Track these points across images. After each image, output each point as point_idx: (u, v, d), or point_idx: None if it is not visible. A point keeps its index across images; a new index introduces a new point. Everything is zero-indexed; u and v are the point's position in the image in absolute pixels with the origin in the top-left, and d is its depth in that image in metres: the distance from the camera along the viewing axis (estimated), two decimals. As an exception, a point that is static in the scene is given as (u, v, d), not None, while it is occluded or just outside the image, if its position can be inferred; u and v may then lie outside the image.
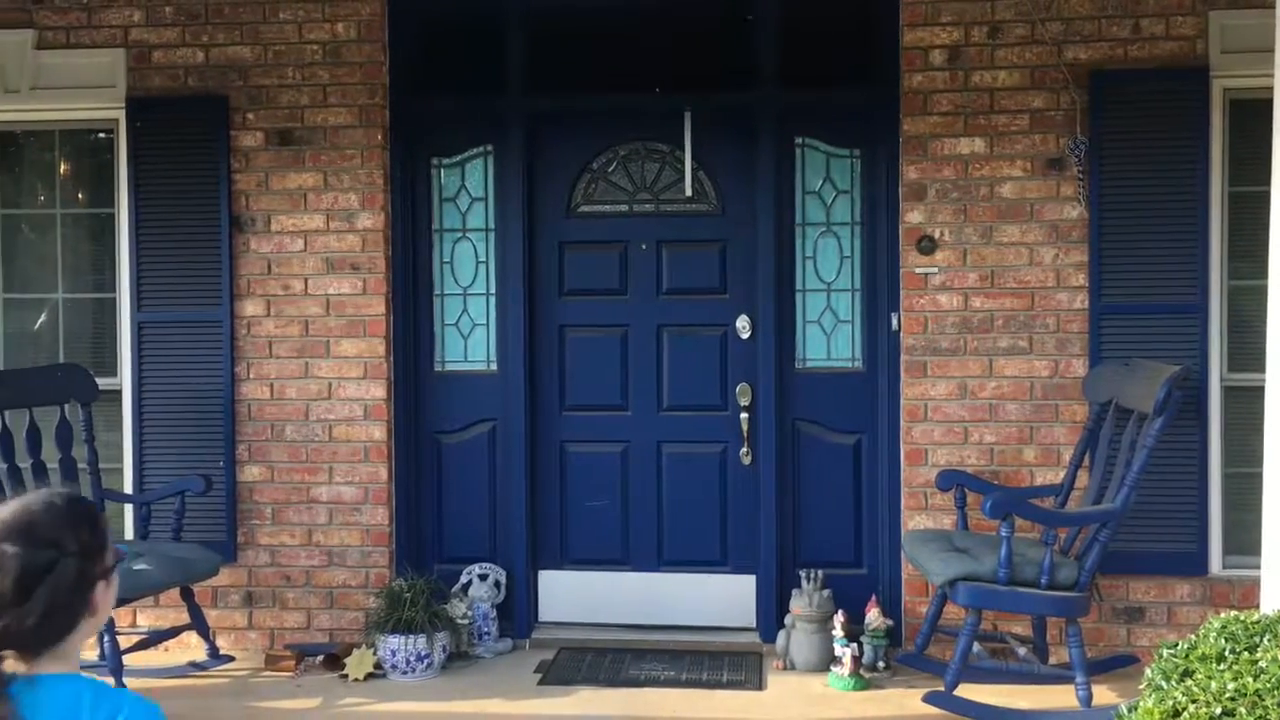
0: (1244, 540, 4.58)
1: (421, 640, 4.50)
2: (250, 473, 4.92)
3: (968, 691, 4.00)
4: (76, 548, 1.58)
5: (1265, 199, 3.33)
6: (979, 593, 3.91)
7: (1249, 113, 4.42)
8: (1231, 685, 1.95)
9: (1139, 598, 4.58)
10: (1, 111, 4.98)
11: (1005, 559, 3.89)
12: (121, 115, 4.94)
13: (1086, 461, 4.44)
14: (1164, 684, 2.06)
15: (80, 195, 5.18)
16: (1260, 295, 3.36)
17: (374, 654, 4.56)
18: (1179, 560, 4.53)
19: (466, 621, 4.74)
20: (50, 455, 4.59)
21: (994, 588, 3.90)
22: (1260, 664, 2.01)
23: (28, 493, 1.65)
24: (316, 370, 4.90)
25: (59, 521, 1.59)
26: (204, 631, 4.62)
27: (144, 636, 4.61)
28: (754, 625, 4.92)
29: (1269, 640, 2.07)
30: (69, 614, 1.57)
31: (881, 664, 4.53)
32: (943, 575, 3.94)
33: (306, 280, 4.90)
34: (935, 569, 3.99)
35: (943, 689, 3.96)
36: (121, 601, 4.23)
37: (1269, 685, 1.92)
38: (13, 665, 1.53)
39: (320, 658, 4.73)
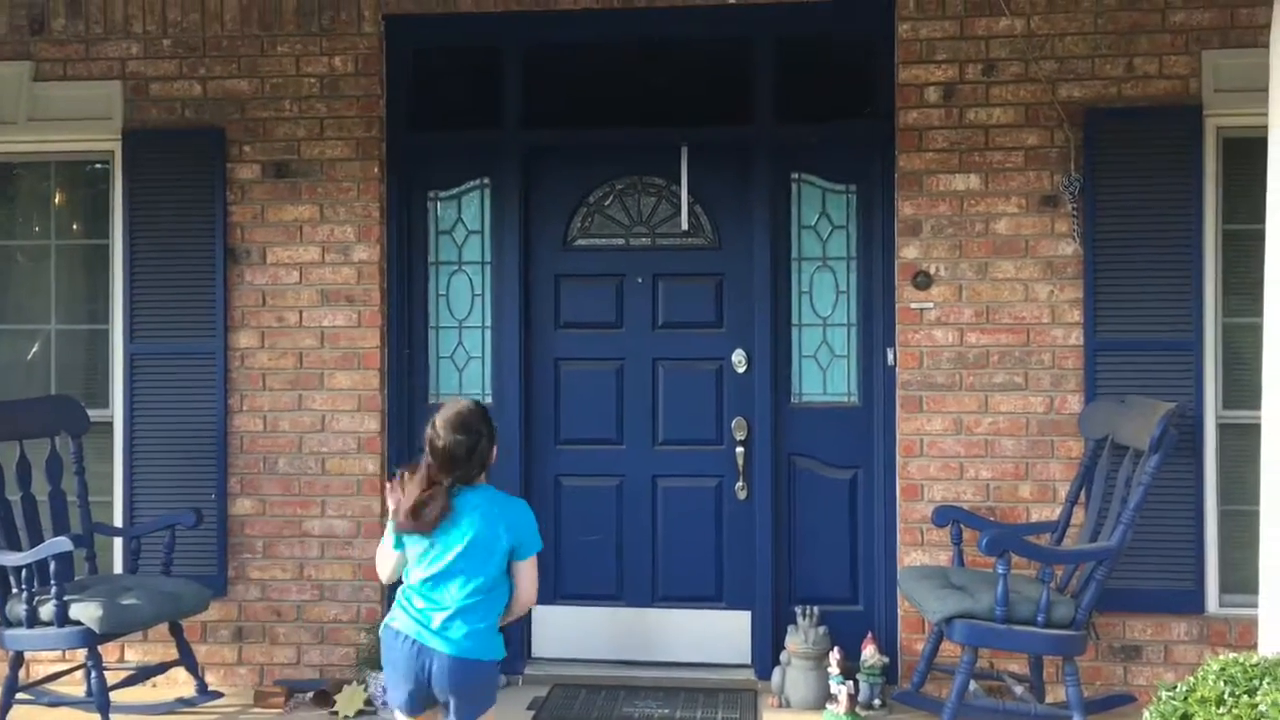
0: (1241, 578, 4.56)
1: (413, 676, 4.44)
2: (242, 506, 4.89)
3: (964, 731, 3.97)
4: (487, 432, 3.13)
5: (1259, 236, 3.34)
6: (976, 631, 3.88)
7: (1242, 151, 4.45)
8: (1232, 729, 1.93)
9: (1136, 636, 4.55)
10: (-2, 142, 4.99)
11: (1002, 597, 3.86)
12: (118, 147, 4.95)
13: (1082, 498, 4.42)
14: (1164, 727, 2.03)
15: (75, 226, 5.17)
16: (1255, 332, 3.36)
17: (365, 690, 4.51)
18: (1176, 598, 4.50)
19: (459, 657, 4.68)
20: (40, 488, 4.55)
21: (991, 625, 3.87)
22: (1260, 708, 1.99)
23: (445, 403, 3.24)
24: (310, 403, 4.88)
25: (476, 418, 3.13)
26: (192, 667, 4.57)
27: (132, 672, 4.56)
28: (749, 662, 4.88)
29: (1268, 683, 2.05)
30: (482, 465, 3.12)
31: (878, 702, 4.49)
32: (939, 613, 3.91)
33: (301, 312, 4.88)
34: (932, 606, 3.96)
35: (939, 728, 3.92)
36: (108, 637, 4.20)
37: (1270, 730, 1.90)
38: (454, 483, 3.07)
39: (310, 694, 4.68)
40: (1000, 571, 3.87)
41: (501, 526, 3.07)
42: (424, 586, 3.07)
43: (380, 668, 4.38)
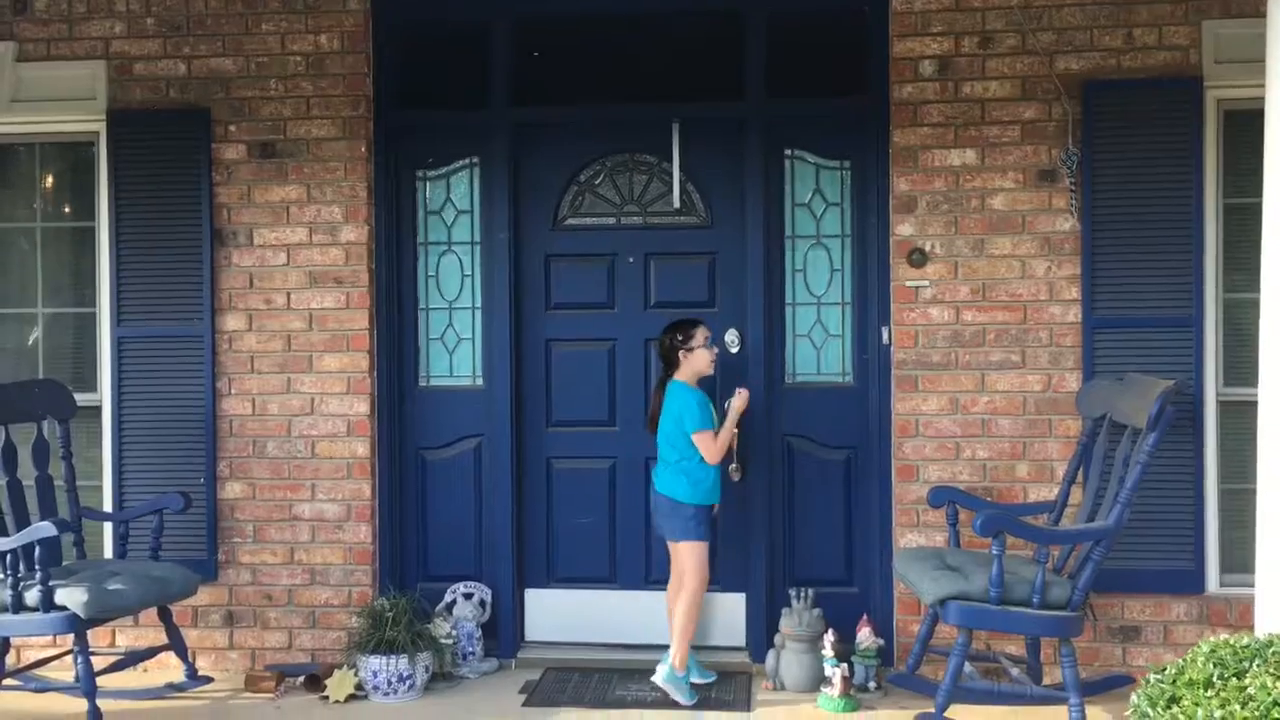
0: (1241, 558, 4.50)
1: (404, 661, 4.42)
2: (231, 490, 4.85)
3: (959, 713, 3.92)
4: (682, 338, 4.40)
5: (1259, 211, 3.26)
6: (970, 612, 3.82)
7: (1242, 123, 4.36)
8: (1219, 713, 1.87)
9: (1134, 617, 4.49)
10: (-19, 124, 4.93)
11: (996, 578, 3.80)
12: (102, 128, 4.89)
13: (1080, 477, 4.36)
14: (1149, 711, 1.97)
15: (60, 208, 5.13)
16: (1256, 309, 3.28)
17: (355, 675, 4.48)
18: (1175, 578, 4.44)
19: (450, 641, 4.66)
20: (27, 473, 4.51)
21: (985, 607, 3.81)
22: (1249, 690, 1.93)
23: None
24: (299, 385, 4.83)
25: (673, 328, 4.47)
26: (182, 652, 4.54)
27: (120, 657, 4.53)
28: (743, 644, 4.83)
29: (1259, 666, 1.99)
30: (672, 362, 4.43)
31: (873, 684, 4.44)
32: (933, 594, 3.86)
33: (289, 294, 4.83)
34: (926, 588, 3.90)
35: (934, 711, 3.86)
36: (95, 622, 4.15)
37: (1257, 714, 1.84)
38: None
39: (301, 678, 4.64)
40: (994, 552, 3.81)
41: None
42: None
43: (372, 651, 4.42)
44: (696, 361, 4.42)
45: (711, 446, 4.36)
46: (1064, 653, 3.86)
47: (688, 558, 4.41)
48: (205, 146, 4.82)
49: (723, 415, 4.50)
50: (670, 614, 4.46)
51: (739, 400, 4.46)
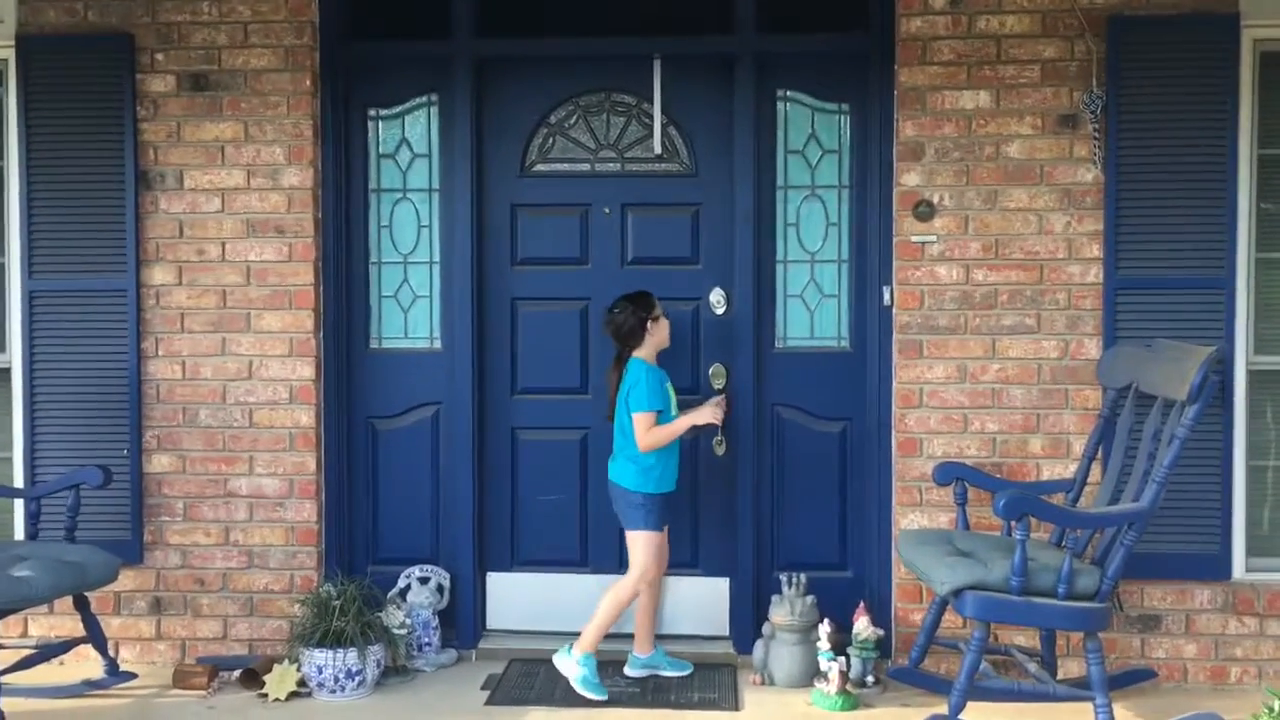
0: (1269, 541, 4.17)
1: (352, 654, 3.95)
2: (159, 462, 4.34)
3: (965, 710, 3.52)
4: (645, 309, 4.02)
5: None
6: (989, 604, 3.42)
7: (1282, 65, 3.98)
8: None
9: (1155, 604, 4.13)
10: None
11: (1019, 566, 3.40)
12: (11, 55, 4.33)
13: (1100, 453, 3.98)
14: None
15: (-37, 145, 4.55)
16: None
17: (298, 670, 4.01)
18: (1199, 563, 4.08)
19: (404, 631, 4.20)
20: (-78, 442, 3.98)
21: (1006, 598, 3.42)
22: None
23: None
24: (235, 347, 4.33)
25: (627, 301, 4.05)
26: (101, 645, 4.05)
27: (33, 651, 4.02)
28: (727, 633, 4.43)
29: None
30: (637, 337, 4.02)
31: (871, 679, 4.06)
32: (949, 583, 3.45)
33: (224, 244, 4.32)
34: (940, 576, 3.50)
35: (945, 712, 3.47)
36: (2, 613, 3.65)
37: None
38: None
39: (237, 673, 4.17)
40: (1019, 537, 3.41)
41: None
42: None
43: (316, 643, 3.95)
44: (660, 334, 4.07)
45: (647, 433, 3.94)
46: (1089, 648, 3.48)
47: (633, 548, 4.04)
48: (128, 77, 4.27)
49: (702, 395, 4.10)
50: (639, 606, 4.08)
51: (709, 411, 4.09)
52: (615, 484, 4.08)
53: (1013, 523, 3.42)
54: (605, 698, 3.91)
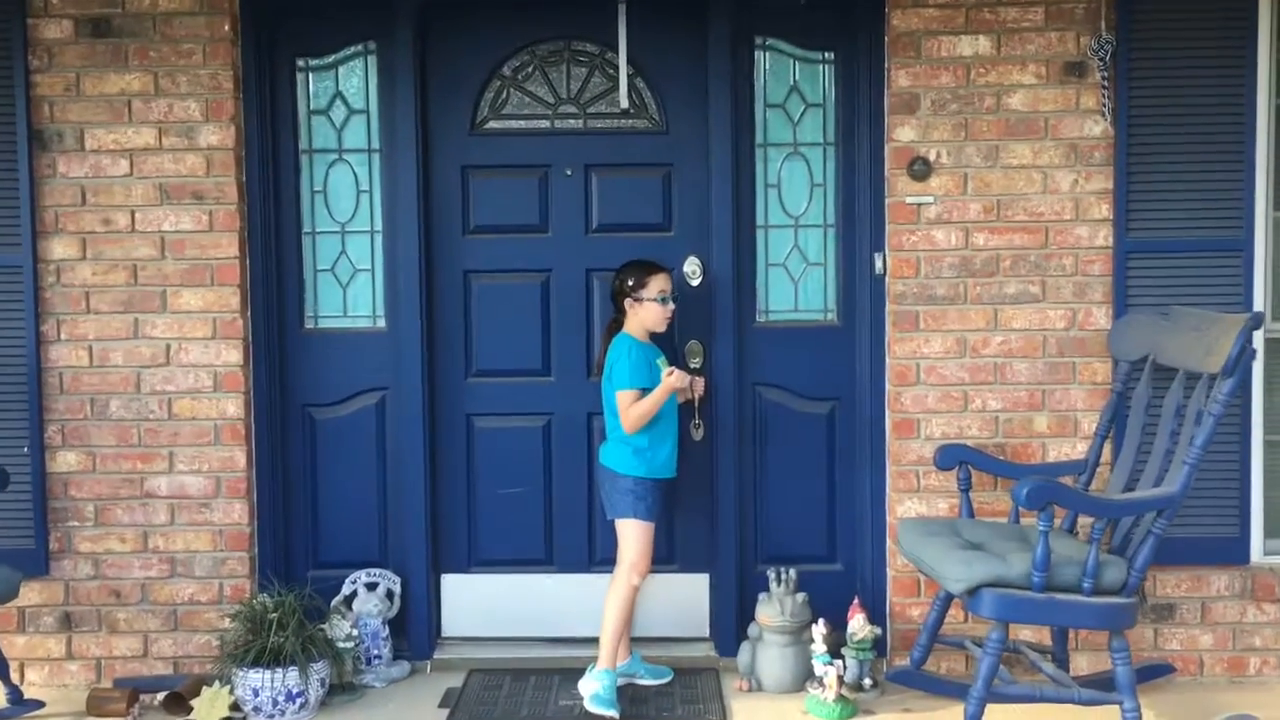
0: (1288, 522, 3.90)
1: (293, 674, 3.51)
2: (65, 461, 3.84)
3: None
4: (633, 282, 3.67)
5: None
6: (1009, 603, 3.08)
7: (1306, 9, 3.67)
8: None
9: (1168, 592, 3.84)
10: None
11: (1041, 560, 3.07)
12: (-121, -5, 3.76)
13: (1111, 431, 3.67)
14: None
15: None
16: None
17: (230, 693, 3.56)
18: (1216, 547, 3.80)
19: (351, 644, 3.76)
20: None
21: (1028, 596, 3.08)
22: None
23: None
24: (150, 329, 3.83)
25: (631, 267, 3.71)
26: (2, 669, 3.55)
27: (-80, 680, 3.52)
28: (707, 634, 4.06)
29: None
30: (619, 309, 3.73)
31: (868, 681, 3.72)
32: (965, 580, 3.11)
33: (134, 213, 3.81)
34: (953, 572, 3.15)
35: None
36: (-122, 641, 3.14)
37: None
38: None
39: (161, 696, 3.70)
40: (1041, 528, 3.07)
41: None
42: None
43: (251, 663, 3.50)
44: (645, 315, 3.68)
45: (629, 411, 3.59)
46: (1115, 647, 3.16)
47: (622, 538, 3.66)
48: (18, 21, 3.74)
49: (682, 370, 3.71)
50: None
51: (675, 378, 3.63)
52: (604, 467, 3.71)
53: (1036, 511, 3.07)
54: (617, 715, 3.49)
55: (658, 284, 3.67)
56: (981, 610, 3.12)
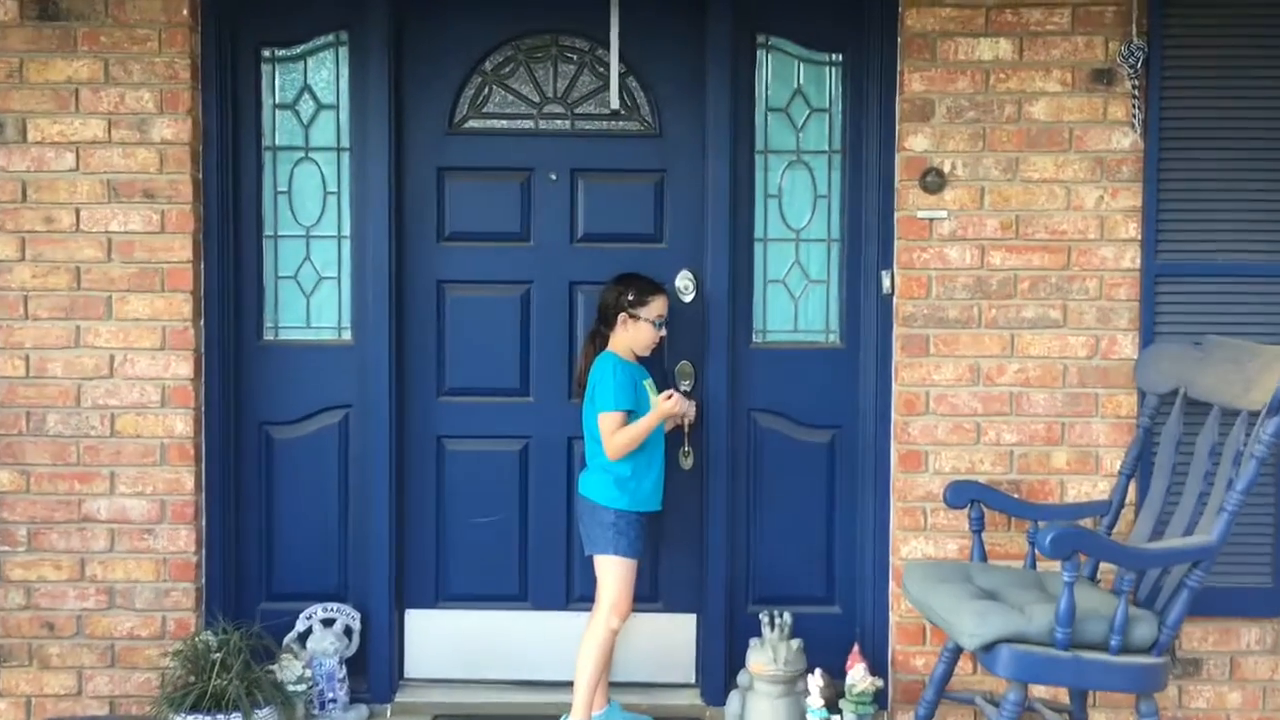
0: (1324, 571, 3.59)
1: (236, 720, 3.19)
2: (-4, 480, 3.53)
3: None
4: (634, 297, 3.41)
5: None
6: (1031, 662, 2.78)
7: (1357, 14, 3.40)
8: None
9: (1194, 646, 3.55)
10: None
11: (1066, 614, 2.77)
12: None
13: (1137, 470, 3.38)
14: None
15: None
16: None
17: (168, 739, 3.23)
18: (1246, 598, 3.50)
19: (304, 686, 3.45)
20: None
21: (1051, 654, 2.78)
22: None
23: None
24: (93, 338, 3.52)
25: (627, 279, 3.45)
26: (-85, 711, 3.23)
27: None
28: (693, 680, 3.75)
29: None
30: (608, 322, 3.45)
31: (868, 738, 3.41)
32: (980, 635, 2.80)
33: (78, 211, 3.51)
34: (968, 625, 2.84)
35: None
36: None
37: None
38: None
39: (93, 740, 3.38)
40: (1066, 579, 2.77)
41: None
42: None
43: (191, 708, 3.19)
44: (637, 335, 3.43)
45: (613, 437, 3.31)
46: (1144, 711, 2.86)
47: (602, 576, 3.37)
48: (-44, 1, 3.44)
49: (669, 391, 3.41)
50: None
51: (672, 403, 3.36)
52: (584, 498, 3.42)
53: (1060, 560, 2.77)
54: None
55: (658, 306, 3.42)
56: (998, 669, 2.82)
